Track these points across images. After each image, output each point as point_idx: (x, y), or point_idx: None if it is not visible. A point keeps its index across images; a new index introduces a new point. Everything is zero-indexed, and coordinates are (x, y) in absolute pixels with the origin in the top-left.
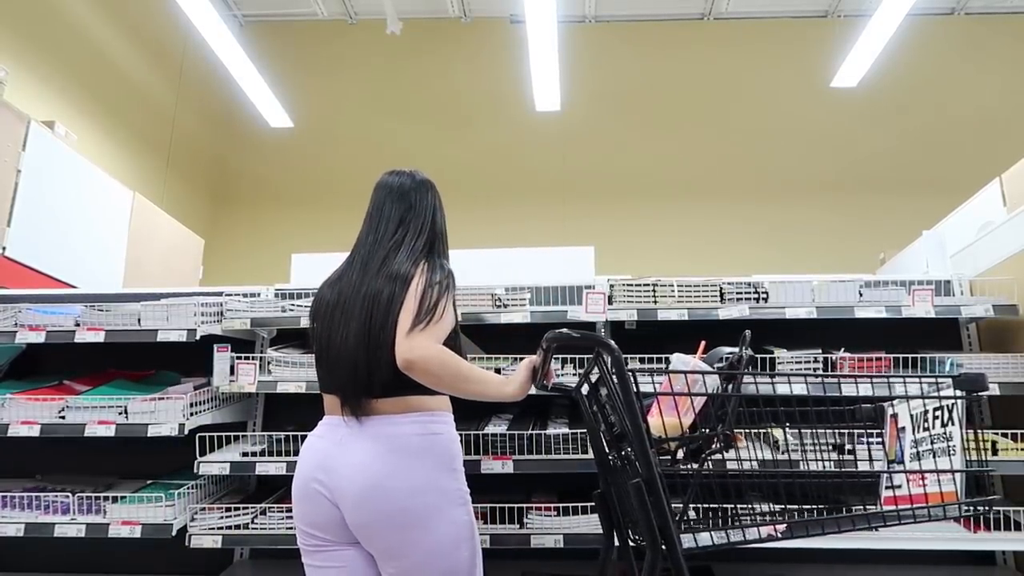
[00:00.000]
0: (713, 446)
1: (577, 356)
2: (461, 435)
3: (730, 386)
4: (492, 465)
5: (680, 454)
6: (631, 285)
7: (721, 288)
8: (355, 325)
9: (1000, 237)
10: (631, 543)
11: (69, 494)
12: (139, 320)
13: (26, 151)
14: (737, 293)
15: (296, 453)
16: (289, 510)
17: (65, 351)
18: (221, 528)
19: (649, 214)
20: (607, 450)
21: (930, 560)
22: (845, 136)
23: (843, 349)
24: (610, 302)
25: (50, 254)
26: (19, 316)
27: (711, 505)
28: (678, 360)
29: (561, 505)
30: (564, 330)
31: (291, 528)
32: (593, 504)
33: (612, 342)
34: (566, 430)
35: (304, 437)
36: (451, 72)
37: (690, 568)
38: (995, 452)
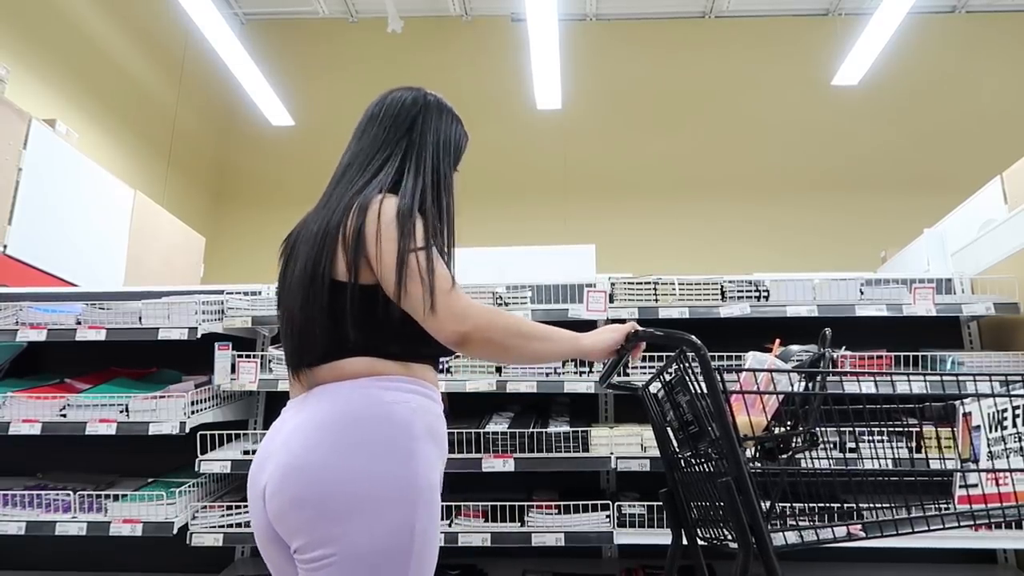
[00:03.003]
0: (795, 443)
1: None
2: (461, 434)
3: (811, 384)
4: (493, 463)
5: (749, 453)
6: (632, 283)
7: (722, 286)
8: (299, 270)
9: (1001, 235)
10: (699, 541)
11: (70, 492)
12: (140, 318)
13: (27, 149)
14: (738, 291)
15: None
16: None
17: (66, 349)
18: (222, 526)
19: (650, 212)
20: (677, 449)
21: (931, 558)
22: (846, 134)
23: (844, 347)
24: (611, 300)
25: (51, 252)
26: (20, 314)
27: (791, 504)
28: (754, 359)
29: (562, 503)
30: (648, 328)
31: None
32: (593, 503)
33: (698, 340)
34: (567, 428)
35: None
36: (452, 70)
37: (691, 566)
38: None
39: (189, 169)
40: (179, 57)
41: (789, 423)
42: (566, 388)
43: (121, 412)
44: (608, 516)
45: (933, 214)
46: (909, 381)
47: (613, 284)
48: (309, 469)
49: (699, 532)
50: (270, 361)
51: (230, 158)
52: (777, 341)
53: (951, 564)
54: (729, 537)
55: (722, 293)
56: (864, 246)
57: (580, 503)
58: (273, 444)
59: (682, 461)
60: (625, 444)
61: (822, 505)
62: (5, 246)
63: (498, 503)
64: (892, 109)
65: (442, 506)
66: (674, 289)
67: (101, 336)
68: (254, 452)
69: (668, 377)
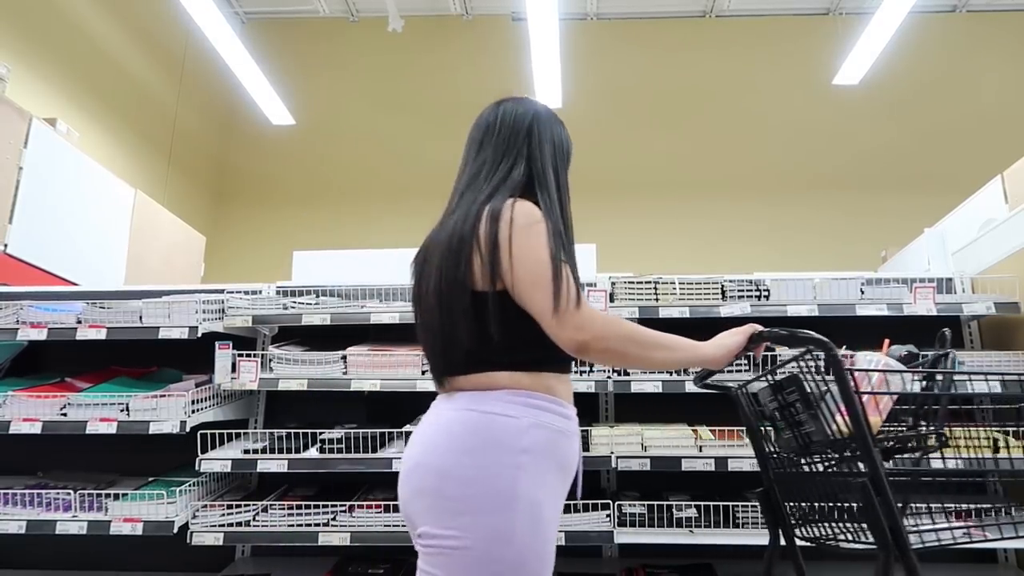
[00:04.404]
0: (925, 444)
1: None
2: None
3: (932, 384)
4: None
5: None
6: (633, 283)
7: (723, 286)
8: (433, 280)
9: (1002, 234)
10: (799, 541)
11: (71, 491)
12: (141, 317)
13: (28, 148)
14: (739, 291)
15: (298, 451)
16: (290, 507)
17: (67, 348)
18: (222, 525)
19: (651, 212)
20: (775, 449)
21: (930, 557)
22: (847, 134)
23: (844, 347)
24: (612, 300)
25: (52, 251)
26: (20, 313)
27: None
28: (865, 359)
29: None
30: (772, 328)
31: (292, 526)
32: (593, 502)
33: (827, 340)
34: None
35: (306, 435)
36: (452, 70)
37: (692, 566)
38: (997, 450)
39: (190, 168)
40: (180, 56)
41: (906, 423)
42: None
43: (122, 411)
44: (608, 515)
45: (933, 213)
46: (1020, 381)
47: (614, 283)
48: (429, 467)
49: (798, 532)
50: (271, 360)
51: (230, 157)
52: (887, 341)
53: (951, 563)
54: (842, 536)
55: (722, 292)
56: (864, 245)
57: (580, 502)
58: (415, 438)
59: (782, 461)
60: (625, 444)
61: (938, 506)
62: (6, 245)
63: None
64: (893, 108)
65: None
66: (674, 288)
67: (102, 335)
68: (254, 451)
69: (779, 376)
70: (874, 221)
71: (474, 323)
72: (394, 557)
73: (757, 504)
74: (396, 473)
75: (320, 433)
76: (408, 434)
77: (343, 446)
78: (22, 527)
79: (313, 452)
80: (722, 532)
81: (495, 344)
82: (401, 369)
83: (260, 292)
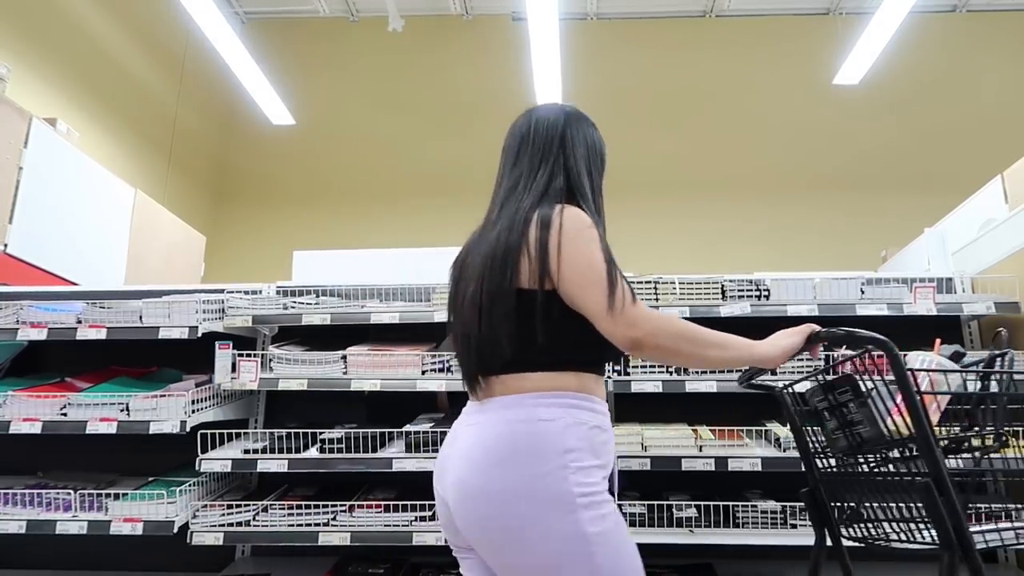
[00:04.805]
0: (983, 444)
1: None
2: None
3: (986, 383)
4: None
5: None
6: (633, 283)
7: (723, 286)
8: (473, 287)
9: (1002, 234)
10: (844, 540)
11: (71, 491)
12: (141, 317)
13: (28, 148)
14: (739, 291)
15: (298, 451)
16: (290, 507)
17: (67, 348)
18: (223, 525)
19: (650, 212)
20: (820, 450)
21: (930, 557)
22: (847, 134)
23: (844, 347)
24: None
25: (52, 251)
26: (20, 313)
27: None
28: (917, 358)
29: None
30: (830, 328)
31: (292, 525)
32: None
33: (888, 340)
34: None
35: (306, 434)
36: (453, 69)
37: (692, 566)
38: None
39: (190, 168)
40: (180, 56)
41: (963, 423)
42: None
43: (122, 411)
44: None
45: (933, 213)
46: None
47: None
48: (478, 492)
49: (845, 532)
50: (271, 360)
51: (230, 157)
52: (938, 341)
53: None
54: (895, 536)
55: (723, 292)
56: (864, 245)
57: None
58: (452, 450)
59: (828, 460)
60: (625, 444)
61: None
62: (6, 245)
63: None
64: (893, 108)
65: None
66: (675, 288)
67: (102, 335)
68: (254, 451)
69: (830, 376)
70: (874, 221)
71: (515, 326)
72: (394, 557)
73: (757, 504)
74: (396, 473)
75: (320, 433)
76: (408, 434)
77: (343, 446)
78: (22, 527)
79: (313, 452)
80: (722, 532)
81: (537, 345)
82: (401, 369)
83: (260, 292)
